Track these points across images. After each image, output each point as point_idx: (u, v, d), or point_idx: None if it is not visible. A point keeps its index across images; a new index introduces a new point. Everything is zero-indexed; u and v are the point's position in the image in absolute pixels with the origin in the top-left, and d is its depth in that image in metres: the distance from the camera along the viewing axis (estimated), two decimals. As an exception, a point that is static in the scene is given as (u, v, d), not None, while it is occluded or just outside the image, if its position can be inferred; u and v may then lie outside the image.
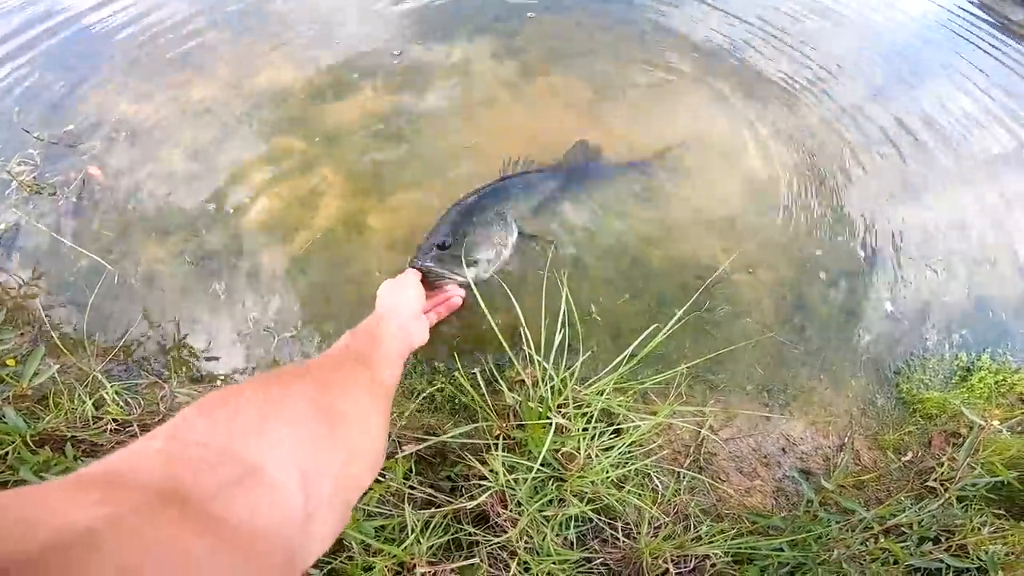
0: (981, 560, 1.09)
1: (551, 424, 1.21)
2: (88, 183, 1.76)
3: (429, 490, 1.30)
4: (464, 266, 1.41)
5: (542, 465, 1.30)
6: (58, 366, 1.33)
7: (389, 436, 1.39)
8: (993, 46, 2.81)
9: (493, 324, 1.31)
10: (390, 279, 1.35)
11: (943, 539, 1.09)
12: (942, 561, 1.07)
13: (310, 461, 0.52)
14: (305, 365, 0.69)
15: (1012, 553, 1.08)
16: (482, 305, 1.33)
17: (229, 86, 2.04)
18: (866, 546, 1.11)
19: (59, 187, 1.74)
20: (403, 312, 1.20)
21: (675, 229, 1.81)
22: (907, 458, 1.37)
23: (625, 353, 1.32)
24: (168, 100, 1.98)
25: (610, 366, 1.33)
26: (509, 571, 1.19)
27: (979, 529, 1.09)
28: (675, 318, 1.31)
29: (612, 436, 1.32)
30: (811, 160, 2.05)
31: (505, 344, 1.33)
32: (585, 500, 1.28)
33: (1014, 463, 1.22)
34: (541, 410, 1.25)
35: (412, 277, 1.34)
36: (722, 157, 2.03)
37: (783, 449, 1.46)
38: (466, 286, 1.43)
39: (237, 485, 0.44)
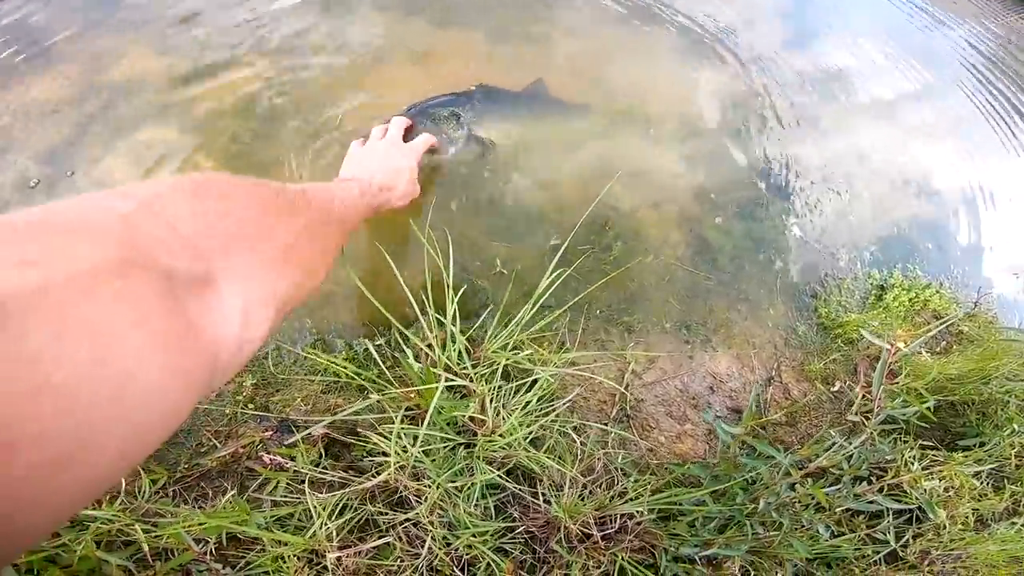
0: (924, 496, 0.90)
1: (440, 386, 0.99)
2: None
3: (343, 473, 1.10)
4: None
5: (457, 433, 1.11)
6: None
7: (296, 426, 1.16)
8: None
9: (403, 284, 1.10)
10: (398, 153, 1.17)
11: (874, 479, 0.89)
12: (875, 503, 0.86)
13: (261, 294, 0.44)
14: (308, 201, 0.59)
15: (951, 487, 0.88)
16: (393, 267, 1.11)
17: (78, 83, 1.63)
18: (795, 491, 0.90)
19: None
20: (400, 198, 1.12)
21: (577, 173, 1.55)
22: (836, 388, 1.17)
23: (529, 303, 1.09)
24: (5, 106, 1.57)
25: (514, 319, 1.10)
26: (427, 548, 1.00)
27: (910, 464, 0.88)
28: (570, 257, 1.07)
29: (525, 392, 1.10)
30: (715, 103, 1.81)
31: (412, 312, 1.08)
32: (502, 466, 1.07)
33: (937, 387, 1.02)
34: (436, 373, 1.02)
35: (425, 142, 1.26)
36: (626, 100, 1.75)
37: (711, 388, 1.25)
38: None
39: (193, 286, 0.36)
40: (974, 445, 0.98)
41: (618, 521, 1.02)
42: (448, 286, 1.11)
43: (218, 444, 1.15)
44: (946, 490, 0.88)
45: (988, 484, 0.94)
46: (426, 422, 0.96)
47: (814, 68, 2.05)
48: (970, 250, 1.68)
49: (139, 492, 1.01)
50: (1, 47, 1.68)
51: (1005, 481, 0.95)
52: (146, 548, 0.95)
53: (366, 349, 1.22)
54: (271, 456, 1.13)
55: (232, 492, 1.06)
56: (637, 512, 0.99)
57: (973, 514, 0.89)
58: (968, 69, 2.25)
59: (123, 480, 1.02)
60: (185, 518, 0.97)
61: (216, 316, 0.37)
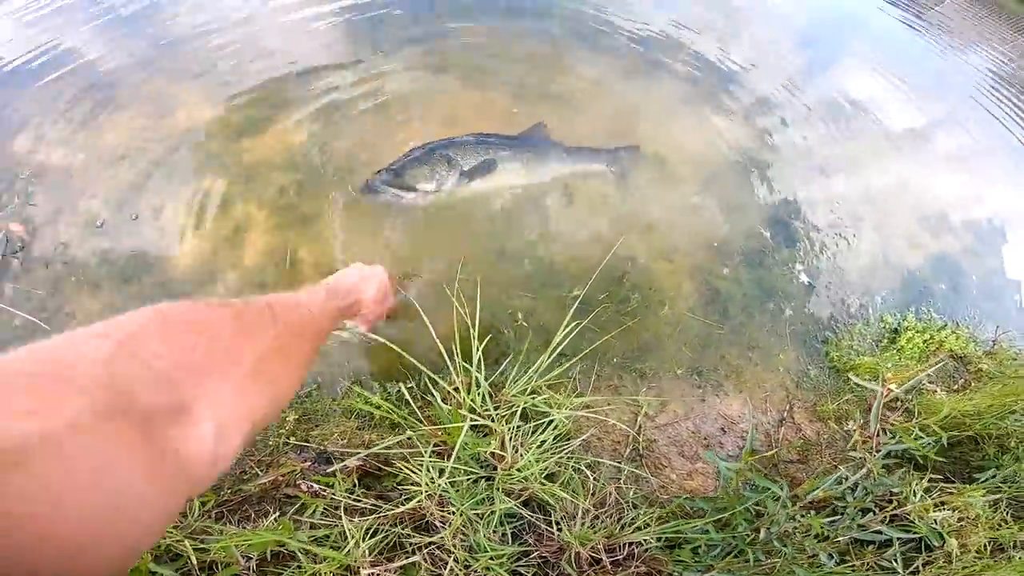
0: (934, 526, 0.87)
1: (465, 426, 1.06)
2: (11, 241, 1.53)
3: (373, 500, 1.17)
4: (406, 190, 1.55)
5: (481, 466, 1.16)
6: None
7: (332, 456, 1.25)
8: (909, 25, 2.60)
9: (434, 334, 1.20)
10: (363, 265, 1.23)
11: (878, 510, 0.87)
12: (881, 532, 0.85)
13: (233, 415, 0.47)
14: (274, 315, 0.59)
15: (965, 517, 0.86)
16: (424, 317, 1.21)
17: (144, 129, 1.79)
18: (796, 521, 0.90)
19: (-20, 249, 1.52)
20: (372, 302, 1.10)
21: (590, 224, 1.62)
22: (849, 426, 1.15)
23: (546, 353, 1.17)
24: (82, 148, 1.72)
25: (533, 366, 1.17)
26: (448, 568, 1.04)
27: (915, 495, 0.87)
28: (591, 310, 1.15)
29: (541, 432, 1.15)
30: (726, 151, 1.87)
31: (442, 355, 1.19)
32: (519, 496, 1.11)
33: (953, 423, 1.00)
34: (462, 414, 1.10)
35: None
36: (639, 156, 1.83)
37: (722, 429, 1.26)
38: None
39: (170, 416, 0.40)
40: (992, 477, 0.94)
41: (626, 548, 1.03)
42: (474, 338, 1.19)
43: (260, 472, 1.23)
44: (959, 520, 0.85)
45: (1008, 513, 0.89)
46: (452, 457, 1.03)
47: (821, 107, 2.06)
48: (989, 287, 1.60)
49: (190, 512, 1.10)
50: (80, 92, 1.88)
51: (1026, 510, 0.90)
52: (194, 561, 1.03)
53: (399, 391, 1.31)
54: (308, 484, 1.21)
55: (274, 515, 1.14)
56: (644, 540, 0.99)
57: (991, 543, 0.84)
58: (979, 97, 2.21)
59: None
60: (232, 535, 1.05)
61: (190, 440, 0.42)
